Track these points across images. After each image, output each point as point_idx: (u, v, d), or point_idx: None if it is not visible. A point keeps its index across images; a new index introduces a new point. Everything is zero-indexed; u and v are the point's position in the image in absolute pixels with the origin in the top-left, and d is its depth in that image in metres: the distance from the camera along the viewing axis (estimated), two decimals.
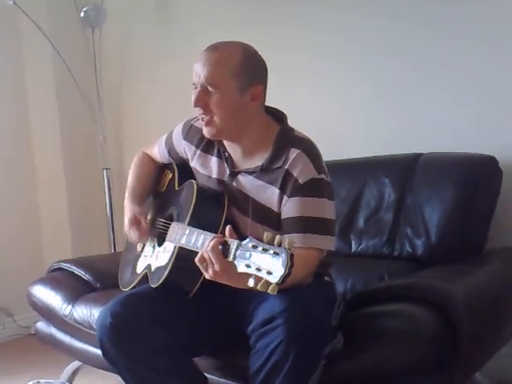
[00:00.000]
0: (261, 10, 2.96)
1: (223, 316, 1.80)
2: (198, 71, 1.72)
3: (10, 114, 3.44)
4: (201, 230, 1.64)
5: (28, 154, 3.50)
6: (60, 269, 2.55)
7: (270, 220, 1.75)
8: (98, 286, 2.42)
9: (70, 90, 3.37)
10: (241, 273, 1.41)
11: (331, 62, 2.76)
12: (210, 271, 1.52)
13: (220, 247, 1.49)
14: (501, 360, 2.10)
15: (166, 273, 1.75)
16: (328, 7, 2.76)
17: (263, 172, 1.76)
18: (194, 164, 1.92)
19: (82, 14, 3.27)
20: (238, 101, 1.72)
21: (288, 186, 1.71)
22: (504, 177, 2.28)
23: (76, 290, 2.40)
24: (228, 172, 1.83)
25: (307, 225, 1.68)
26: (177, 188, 1.93)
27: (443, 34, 2.50)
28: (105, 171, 3.42)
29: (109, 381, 2.42)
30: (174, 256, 1.76)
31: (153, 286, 1.80)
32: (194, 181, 1.85)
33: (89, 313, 2.25)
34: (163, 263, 1.79)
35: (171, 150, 2.00)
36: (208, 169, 1.88)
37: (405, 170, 2.37)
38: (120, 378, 1.82)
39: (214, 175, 1.86)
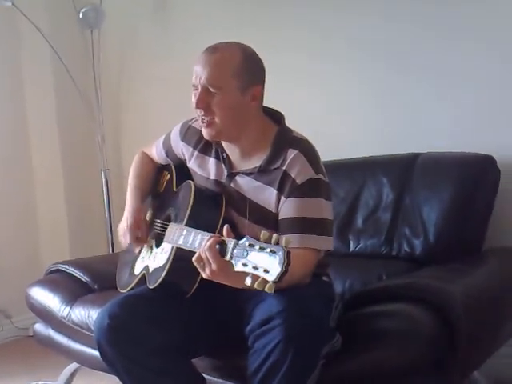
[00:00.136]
0: (259, 11, 2.96)
1: (221, 317, 1.80)
2: (199, 73, 1.71)
3: (8, 115, 3.43)
4: (198, 231, 1.63)
5: (26, 154, 3.49)
6: (58, 270, 2.55)
7: (268, 221, 1.74)
8: (96, 287, 2.41)
9: (68, 90, 3.37)
10: (238, 272, 1.41)
11: (329, 62, 2.76)
12: (208, 271, 1.52)
13: (217, 246, 1.49)
14: (499, 360, 2.10)
15: (164, 274, 1.75)
16: (326, 8, 2.76)
17: (261, 173, 1.76)
18: (192, 165, 1.91)
19: (80, 15, 3.26)
20: (240, 100, 1.72)
21: (286, 186, 1.71)
22: (502, 176, 2.28)
23: (74, 292, 2.39)
24: (226, 173, 1.82)
25: (305, 225, 1.68)
26: (175, 189, 1.93)
27: (441, 35, 2.50)
28: (103, 172, 3.42)
29: (107, 382, 2.42)
30: (171, 257, 1.75)
31: (150, 287, 1.80)
32: (191, 181, 1.85)
33: (87, 314, 2.25)
34: (161, 264, 1.79)
35: (169, 151, 2.00)
36: (206, 170, 1.88)
37: (403, 170, 2.37)
38: (118, 380, 1.82)
39: (212, 176, 1.85)
